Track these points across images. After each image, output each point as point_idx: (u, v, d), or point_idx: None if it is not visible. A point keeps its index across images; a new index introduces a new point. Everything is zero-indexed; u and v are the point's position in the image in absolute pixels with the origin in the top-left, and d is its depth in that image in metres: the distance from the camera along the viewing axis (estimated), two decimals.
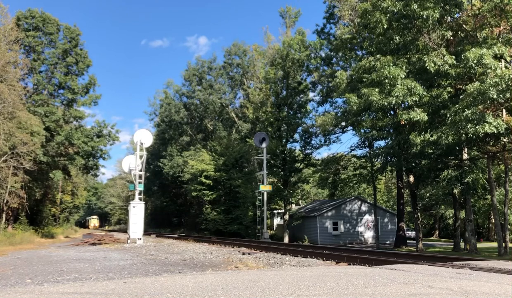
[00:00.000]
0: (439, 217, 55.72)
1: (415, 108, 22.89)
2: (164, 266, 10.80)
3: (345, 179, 36.93)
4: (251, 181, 41.17)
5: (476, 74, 21.29)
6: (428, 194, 28.32)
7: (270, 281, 5.84)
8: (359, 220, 42.60)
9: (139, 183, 24.55)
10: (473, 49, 20.13)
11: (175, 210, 69.86)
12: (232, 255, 13.87)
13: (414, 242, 33.24)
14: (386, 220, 43.25)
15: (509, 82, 18.36)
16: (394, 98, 22.39)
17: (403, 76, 22.61)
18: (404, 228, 36.55)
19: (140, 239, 23.06)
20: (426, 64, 22.01)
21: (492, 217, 35.81)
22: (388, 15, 24.10)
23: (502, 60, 21.76)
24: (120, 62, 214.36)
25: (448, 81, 23.35)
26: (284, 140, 41.90)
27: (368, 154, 34.36)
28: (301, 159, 42.68)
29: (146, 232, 34.16)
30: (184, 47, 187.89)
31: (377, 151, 31.87)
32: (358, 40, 31.51)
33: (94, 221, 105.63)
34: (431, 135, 22.13)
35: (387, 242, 39.89)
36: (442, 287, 5.19)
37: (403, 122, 24.55)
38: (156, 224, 73.22)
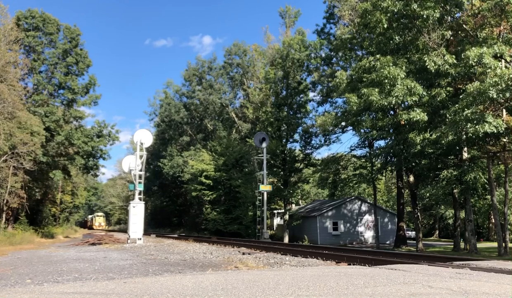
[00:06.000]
0: (439, 217, 55.67)
1: (415, 108, 22.89)
2: (164, 266, 10.80)
3: (345, 179, 36.91)
4: (251, 181, 41.16)
5: (476, 74, 21.29)
6: (428, 194, 28.27)
7: (270, 281, 5.84)
8: (359, 220, 42.59)
9: (139, 183, 24.55)
10: (473, 48, 20.13)
11: (175, 210, 69.86)
12: (232, 255, 13.86)
13: (414, 242, 33.23)
14: (386, 220, 43.25)
15: (509, 82, 18.36)
16: (394, 98, 22.39)
17: (403, 76, 22.61)
18: (404, 228, 36.55)
19: (140, 239, 23.07)
20: (426, 64, 22.00)
21: (492, 217, 35.78)
22: (388, 14, 24.10)
23: (502, 60, 21.75)
24: (123, 62, 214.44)
25: (447, 80, 23.35)
26: (284, 140, 41.88)
27: (368, 154, 34.34)
28: (301, 159, 42.66)
29: (146, 232, 34.17)
30: (188, 47, 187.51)
31: (377, 151, 31.87)
32: (358, 40, 31.49)
33: (99, 219, 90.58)
34: (431, 135, 22.13)
35: (387, 242, 39.88)
36: (442, 287, 5.19)
37: (403, 122, 24.55)
38: (156, 224, 73.23)
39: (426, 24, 23.08)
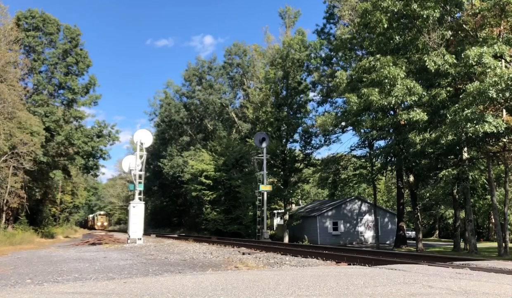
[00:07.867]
0: (439, 217, 55.67)
1: (415, 108, 22.90)
2: (164, 266, 10.80)
3: (345, 179, 36.91)
4: (251, 181, 41.15)
5: (476, 74, 21.29)
6: (428, 194, 28.28)
7: (270, 281, 5.84)
8: (359, 220, 42.59)
9: (139, 183, 24.54)
10: (473, 48, 20.13)
11: (175, 210, 69.88)
12: (232, 255, 13.86)
13: (414, 242, 33.23)
14: (386, 220, 43.26)
15: (509, 82, 18.36)
16: (394, 98, 22.40)
17: (403, 76, 22.62)
18: (404, 228, 36.55)
19: (140, 239, 23.06)
20: (426, 64, 22.01)
21: (492, 217, 35.79)
22: (388, 14, 24.10)
23: (502, 60, 21.76)
24: (123, 62, 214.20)
25: (448, 80, 23.36)
26: (284, 140, 41.88)
27: (368, 154, 34.35)
28: (301, 159, 42.66)
29: (146, 232, 34.16)
30: (189, 47, 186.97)
31: (377, 151, 31.88)
32: (358, 40, 31.50)
33: (101, 219, 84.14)
34: (431, 135, 22.13)
35: (387, 242, 39.88)
36: (442, 287, 5.19)
37: (403, 122, 24.57)
38: (156, 224, 73.20)
39: (426, 24, 23.08)
